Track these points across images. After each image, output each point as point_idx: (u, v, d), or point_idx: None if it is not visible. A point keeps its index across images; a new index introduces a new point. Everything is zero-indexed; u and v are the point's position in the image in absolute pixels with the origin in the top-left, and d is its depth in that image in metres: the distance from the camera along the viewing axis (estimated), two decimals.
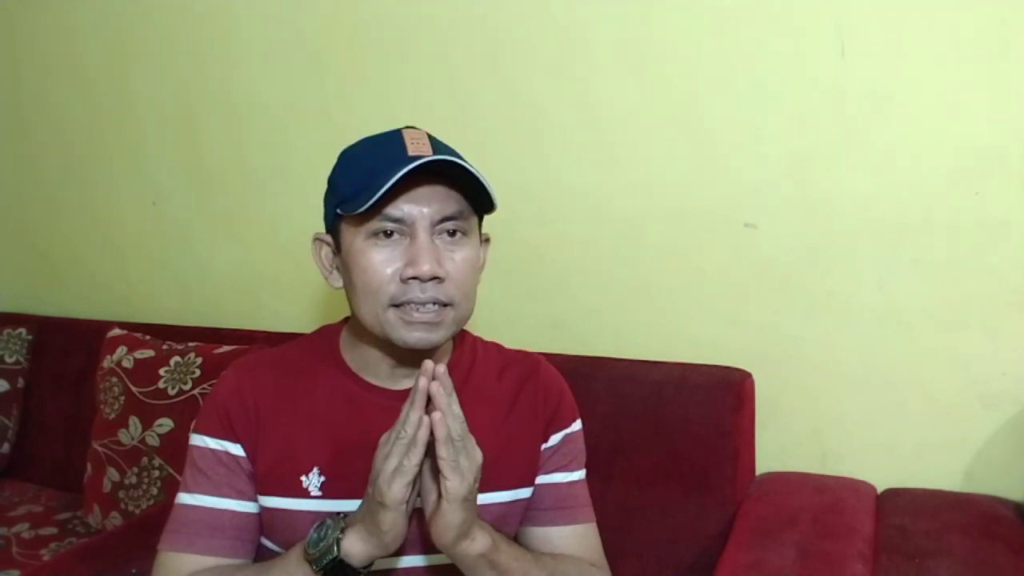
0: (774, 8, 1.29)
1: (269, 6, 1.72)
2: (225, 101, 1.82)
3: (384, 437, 0.81)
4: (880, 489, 1.27)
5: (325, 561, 0.81)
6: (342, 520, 0.83)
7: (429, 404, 0.77)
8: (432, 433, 0.76)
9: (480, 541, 0.83)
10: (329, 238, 0.93)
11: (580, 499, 1.03)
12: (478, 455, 0.80)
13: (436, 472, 0.79)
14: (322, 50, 1.68)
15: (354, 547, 0.81)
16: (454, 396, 0.79)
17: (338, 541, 0.81)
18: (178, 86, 1.87)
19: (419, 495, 0.83)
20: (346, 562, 0.81)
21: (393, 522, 0.79)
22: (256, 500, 0.93)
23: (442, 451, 0.76)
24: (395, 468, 0.77)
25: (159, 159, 1.93)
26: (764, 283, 1.36)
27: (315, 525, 0.84)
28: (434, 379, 0.77)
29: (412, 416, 0.77)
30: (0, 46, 2.12)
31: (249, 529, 0.93)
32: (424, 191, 0.85)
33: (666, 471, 1.28)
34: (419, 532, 0.89)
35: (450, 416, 0.77)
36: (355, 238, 0.87)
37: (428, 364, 0.78)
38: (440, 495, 0.79)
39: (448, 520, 0.80)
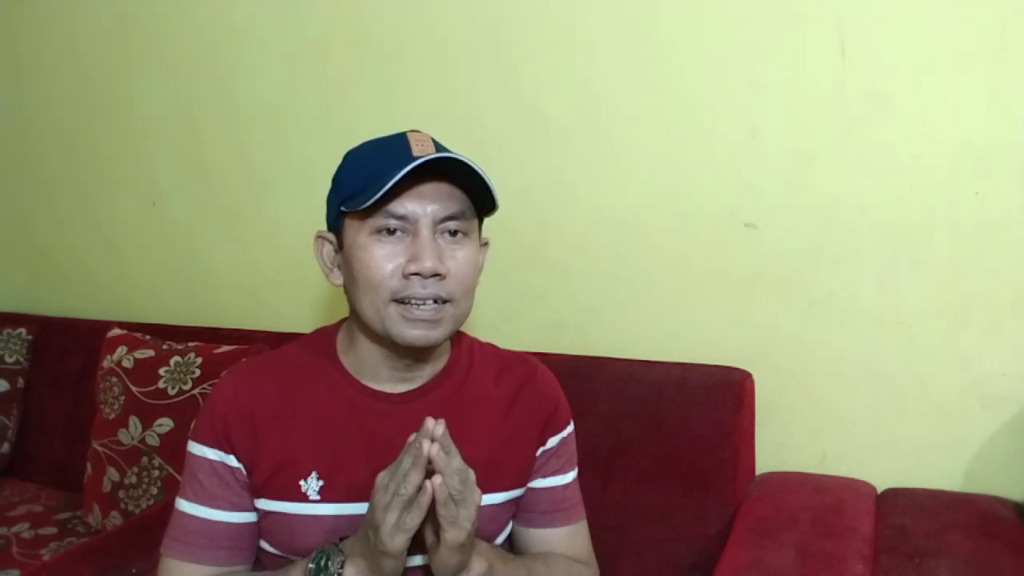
0: (774, 8, 1.29)
1: (270, 6, 1.72)
2: (226, 101, 1.82)
3: (382, 480, 0.81)
4: (880, 489, 1.27)
5: None
6: (340, 551, 0.84)
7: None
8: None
9: (476, 569, 0.85)
10: (332, 236, 0.93)
11: (573, 500, 1.05)
12: (477, 496, 0.81)
13: (435, 516, 0.79)
14: (323, 50, 1.68)
15: None
16: (454, 451, 0.79)
17: (339, 575, 0.83)
18: (179, 86, 1.87)
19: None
20: None
21: (395, 567, 0.81)
22: (252, 509, 0.94)
23: (442, 511, 0.77)
24: (395, 523, 0.77)
25: (160, 159, 1.93)
26: (764, 283, 1.36)
27: (313, 555, 0.85)
28: (433, 440, 0.77)
29: (413, 477, 0.77)
30: (0, 46, 2.13)
31: (246, 537, 0.95)
32: (428, 189, 0.85)
33: (666, 471, 1.28)
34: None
35: (449, 474, 0.77)
36: (358, 234, 0.87)
37: (428, 423, 0.78)
38: (438, 537, 0.81)
39: (446, 562, 0.82)
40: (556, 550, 1.02)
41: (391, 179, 0.81)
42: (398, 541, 0.78)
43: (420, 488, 0.76)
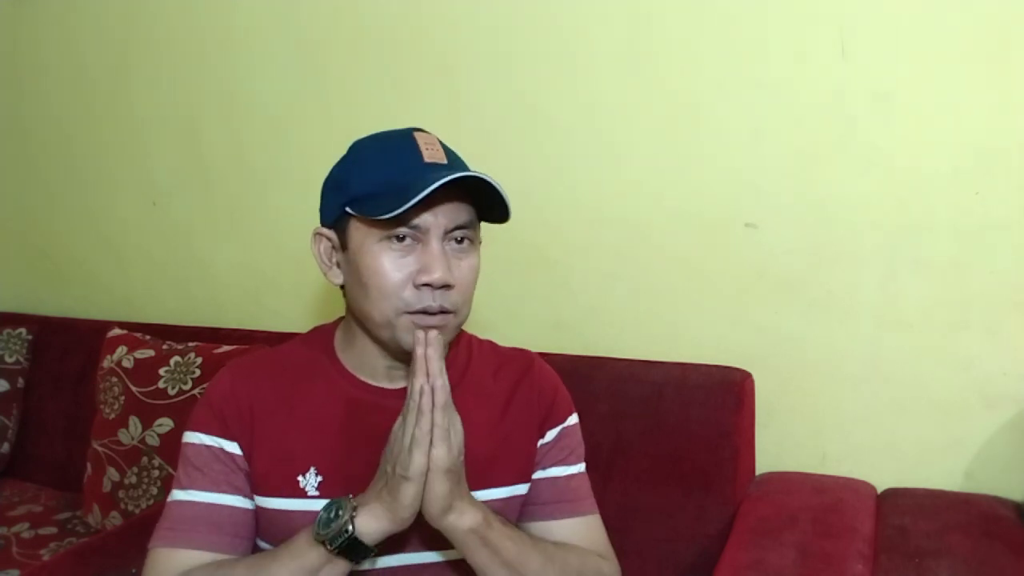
0: (774, 8, 1.29)
1: (270, 6, 1.72)
2: (226, 101, 1.82)
3: (399, 420, 0.84)
4: (880, 489, 1.27)
5: (339, 540, 0.81)
6: (352, 500, 0.84)
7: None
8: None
9: (469, 516, 0.85)
10: (332, 233, 0.92)
11: (580, 492, 1.03)
12: (459, 424, 0.84)
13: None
14: (323, 50, 1.68)
15: (368, 525, 0.82)
16: (442, 362, 0.83)
17: (352, 519, 0.82)
18: (178, 86, 1.87)
19: None
20: (359, 540, 0.82)
21: (415, 495, 0.82)
22: (252, 498, 0.93)
23: (438, 417, 0.81)
24: (411, 440, 0.81)
25: (159, 159, 1.93)
26: (764, 283, 1.36)
27: (324, 507, 0.85)
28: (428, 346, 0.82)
29: (416, 383, 0.81)
30: (0, 46, 2.12)
31: (246, 526, 0.93)
32: (439, 199, 0.85)
33: (666, 471, 1.28)
34: (420, 529, 0.89)
35: (442, 382, 0.82)
36: (366, 239, 0.87)
37: (420, 334, 0.83)
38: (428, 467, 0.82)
39: (434, 490, 0.82)
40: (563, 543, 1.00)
41: (407, 192, 0.81)
42: (416, 457, 0.80)
43: (423, 393, 0.81)
